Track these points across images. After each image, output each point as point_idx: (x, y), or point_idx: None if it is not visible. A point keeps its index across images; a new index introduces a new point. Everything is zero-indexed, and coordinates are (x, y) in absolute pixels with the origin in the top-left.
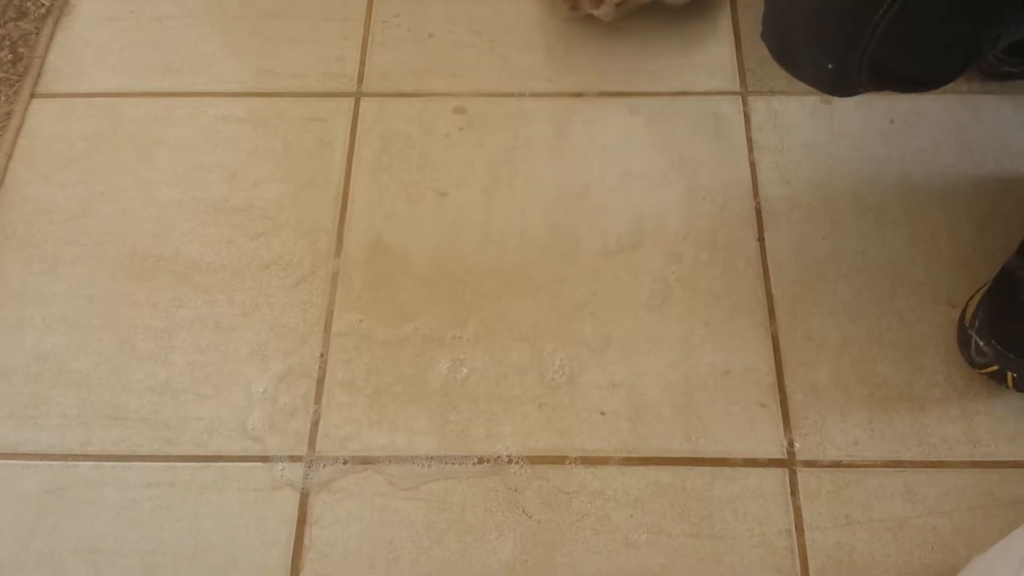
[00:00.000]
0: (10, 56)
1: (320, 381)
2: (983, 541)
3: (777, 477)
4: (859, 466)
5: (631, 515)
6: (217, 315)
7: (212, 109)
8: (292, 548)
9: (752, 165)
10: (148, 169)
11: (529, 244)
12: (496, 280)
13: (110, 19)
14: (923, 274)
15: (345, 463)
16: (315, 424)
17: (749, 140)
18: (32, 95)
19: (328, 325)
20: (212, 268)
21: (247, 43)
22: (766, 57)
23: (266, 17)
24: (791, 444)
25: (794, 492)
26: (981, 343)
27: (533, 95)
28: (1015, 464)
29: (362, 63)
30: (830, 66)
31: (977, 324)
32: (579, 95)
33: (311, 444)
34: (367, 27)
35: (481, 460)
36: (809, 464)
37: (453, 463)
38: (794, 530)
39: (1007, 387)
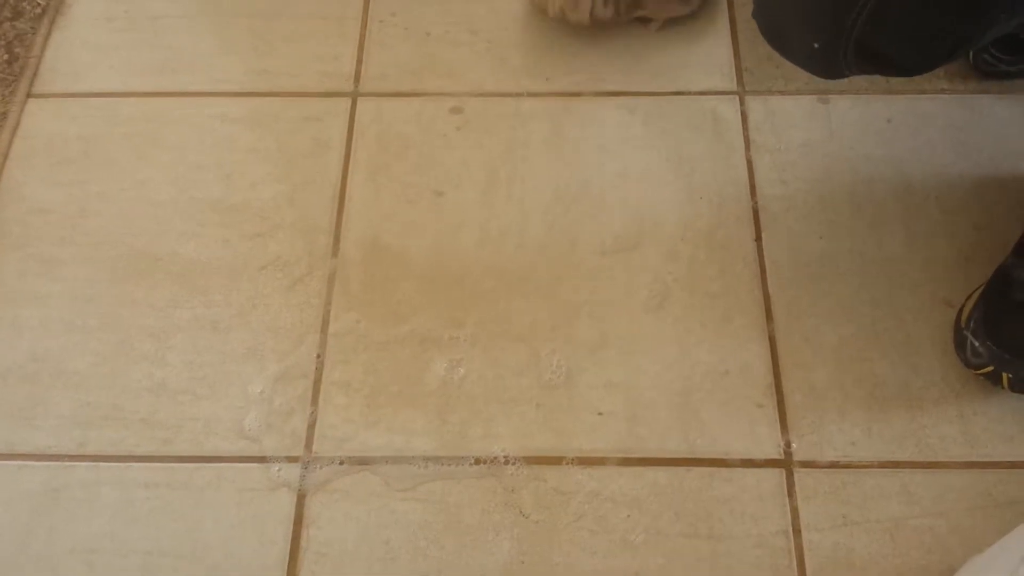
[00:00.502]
0: (6, 56)
1: (317, 382)
2: (980, 542)
3: (774, 478)
4: (856, 467)
5: (628, 515)
6: (214, 315)
7: (208, 109)
8: (289, 549)
9: (749, 165)
10: (145, 169)
11: (527, 244)
12: (493, 280)
13: (106, 19)
14: (920, 274)
15: (342, 464)
16: (312, 425)
17: (746, 140)
18: (28, 95)
19: (325, 325)
20: (209, 268)
21: (243, 43)
22: (763, 56)
23: (262, 16)
24: (788, 445)
25: (791, 493)
26: (977, 344)
27: (531, 95)
28: (1012, 465)
29: (359, 63)
30: (816, 45)
31: (972, 325)
32: (577, 95)
33: (308, 445)
34: (364, 26)
35: (478, 461)
36: (806, 465)
37: (450, 464)
38: (791, 531)
39: (1002, 388)
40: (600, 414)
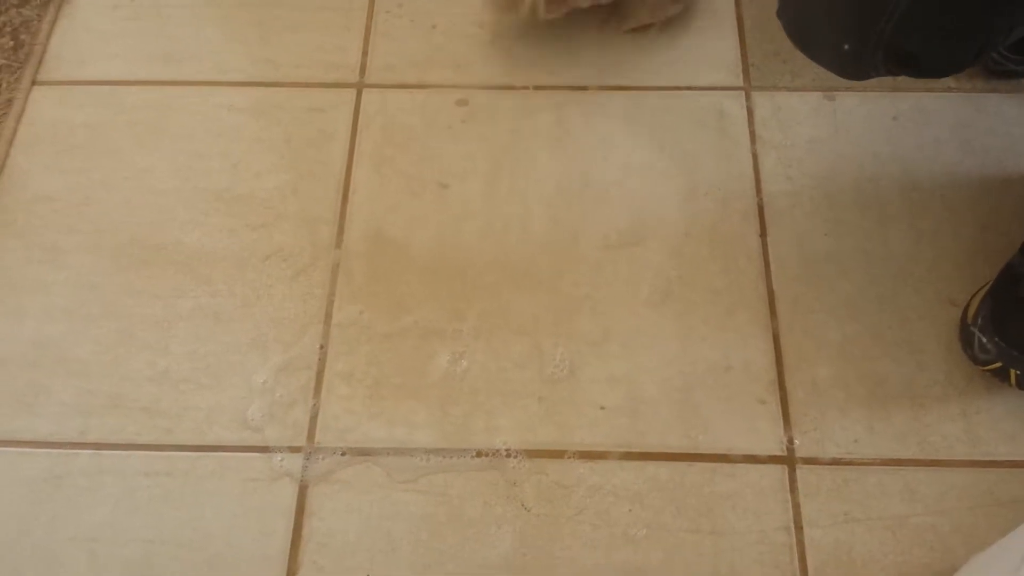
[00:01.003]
0: (11, 43)
1: (320, 372)
2: (982, 540)
3: (776, 474)
4: (859, 464)
5: (630, 510)
6: (217, 305)
7: (214, 98)
8: (291, 539)
9: (755, 161)
10: (149, 157)
11: (530, 238)
12: (497, 273)
13: (112, 7)
14: (925, 272)
15: (344, 455)
16: (314, 415)
17: (752, 135)
18: (33, 82)
19: (328, 316)
20: (213, 258)
21: (249, 32)
22: (770, 52)
23: (268, 6)
24: (791, 441)
25: (793, 489)
26: (984, 340)
27: (536, 88)
28: (1014, 464)
29: (364, 54)
30: (846, 47)
31: (980, 321)
32: (582, 88)
33: (310, 435)
34: (370, 17)
35: (480, 453)
36: (809, 461)
37: (452, 456)
38: (793, 527)
39: (1010, 384)
40: (602, 408)
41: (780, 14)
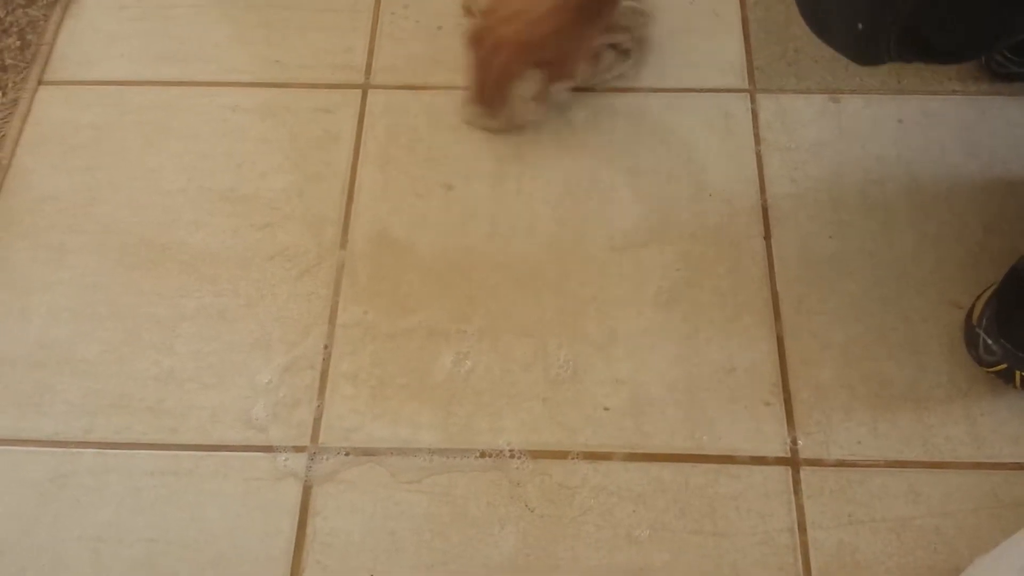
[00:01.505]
0: (18, 43)
1: (324, 373)
2: (986, 542)
3: (780, 475)
4: (863, 465)
5: (633, 511)
6: (222, 305)
7: (219, 99)
8: (295, 539)
9: (759, 163)
10: (155, 158)
11: (536, 239)
12: (502, 274)
13: (118, 7)
14: (929, 274)
15: (348, 455)
16: (319, 415)
17: (757, 138)
18: (39, 82)
19: (333, 317)
20: (218, 258)
21: (255, 33)
22: (775, 55)
23: (274, 7)
24: (795, 442)
25: (797, 490)
26: (990, 341)
27: None
28: (1018, 466)
29: (370, 55)
30: (860, 26)
31: (985, 323)
32: (588, 90)
33: (314, 435)
34: (375, 18)
35: (484, 454)
36: (813, 463)
37: (456, 456)
38: (797, 528)
39: (1014, 386)
40: (606, 409)
41: None
